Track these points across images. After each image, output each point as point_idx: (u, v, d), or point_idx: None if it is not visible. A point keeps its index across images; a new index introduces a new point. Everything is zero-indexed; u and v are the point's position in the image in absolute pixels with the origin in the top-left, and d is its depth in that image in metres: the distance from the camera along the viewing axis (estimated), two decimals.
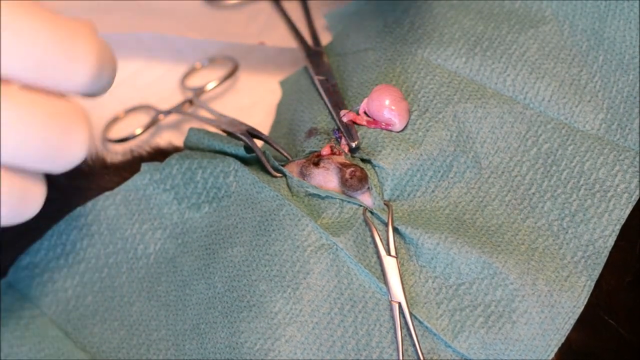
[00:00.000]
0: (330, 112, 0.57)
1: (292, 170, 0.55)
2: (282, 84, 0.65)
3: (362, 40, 0.62)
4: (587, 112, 0.56)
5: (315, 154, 0.55)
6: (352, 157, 0.54)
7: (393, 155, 0.53)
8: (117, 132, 0.69)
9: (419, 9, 0.61)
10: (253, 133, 0.57)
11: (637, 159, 0.54)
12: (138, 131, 0.67)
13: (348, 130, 0.55)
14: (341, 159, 0.54)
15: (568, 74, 0.57)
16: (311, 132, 0.57)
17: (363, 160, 0.54)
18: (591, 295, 0.50)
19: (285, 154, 0.56)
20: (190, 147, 0.59)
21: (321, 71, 0.61)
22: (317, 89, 0.59)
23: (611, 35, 0.58)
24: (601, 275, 0.51)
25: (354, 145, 0.54)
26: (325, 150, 0.55)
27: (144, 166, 0.57)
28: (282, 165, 0.55)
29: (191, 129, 0.58)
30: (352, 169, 0.53)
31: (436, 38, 0.58)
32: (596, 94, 0.56)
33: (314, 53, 0.63)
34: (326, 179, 0.54)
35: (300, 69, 0.64)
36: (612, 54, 0.57)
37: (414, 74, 0.57)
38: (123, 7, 0.71)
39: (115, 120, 0.69)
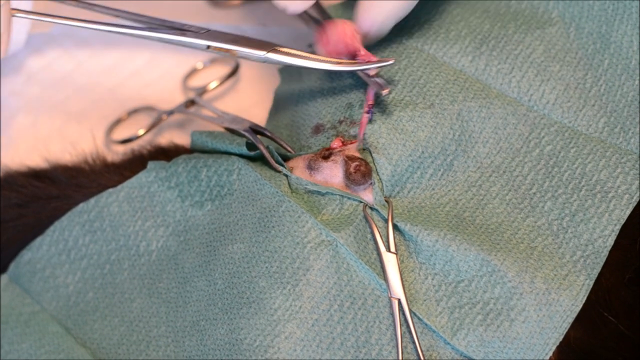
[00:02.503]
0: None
1: (298, 164, 0.56)
2: (281, 71, 0.66)
3: None
4: (590, 116, 0.57)
5: (326, 148, 0.56)
6: (362, 150, 0.56)
7: (396, 151, 0.55)
8: (120, 133, 0.71)
9: (425, 4, 0.62)
10: (256, 129, 0.59)
11: (639, 161, 0.56)
12: (141, 132, 0.69)
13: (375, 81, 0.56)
14: (351, 150, 0.56)
15: (573, 77, 0.58)
16: (318, 129, 0.58)
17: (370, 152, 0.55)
18: (591, 292, 0.52)
19: (289, 148, 0.58)
20: (197, 150, 0.60)
21: None
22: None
23: (618, 40, 0.59)
24: (601, 272, 0.53)
25: (384, 93, 0.55)
26: (336, 143, 0.56)
27: (151, 164, 0.58)
28: (287, 160, 0.57)
29: (193, 133, 0.60)
30: (356, 163, 0.54)
31: (442, 35, 0.60)
32: (600, 97, 0.58)
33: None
34: (333, 172, 0.55)
35: None
36: (617, 58, 0.59)
37: (419, 69, 0.58)
38: (123, 5, 0.73)
39: (118, 121, 0.71)
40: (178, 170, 0.58)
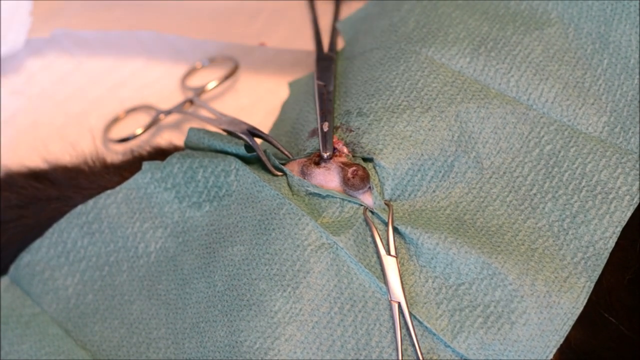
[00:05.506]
0: (316, 117, 0.59)
1: (292, 169, 0.56)
2: (291, 85, 0.67)
3: (369, 41, 0.63)
4: (590, 115, 0.57)
5: (317, 153, 0.56)
6: (354, 156, 0.56)
7: (394, 154, 0.55)
8: (118, 132, 0.71)
9: (424, 7, 0.62)
10: (254, 132, 0.59)
11: (639, 162, 0.55)
12: (139, 131, 0.69)
13: (325, 138, 0.56)
14: (343, 159, 0.56)
15: (572, 77, 0.58)
16: (314, 133, 0.58)
17: (365, 159, 0.56)
18: (591, 292, 0.52)
19: (286, 152, 0.58)
20: (191, 147, 0.60)
21: (324, 76, 0.62)
22: (314, 92, 0.61)
23: (617, 39, 0.59)
24: (601, 273, 0.52)
25: (325, 155, 0.56)
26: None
27: (145, 165, 0.58)
28: (283, 164, 0.57)
29: (191, 129, 0.60)
30: (354, 168, 0.54)
31: (441, 37, 0.60)
32: (600, 97, 0.58)
33: (325, 58, 0.65)
34: (327, 178, 0.55)
35: (311, 73, 0.65)
36: (617, 58, 0.59)
37: (417, 72, 0.58)
38: (124, 5, 0.72)
39: (116, 120, 0.71)
40: (174, 171, 0.58)
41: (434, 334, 0.52)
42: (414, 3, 0.63)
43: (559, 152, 0.56)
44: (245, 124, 0.60)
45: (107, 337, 0.57)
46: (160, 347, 0.56)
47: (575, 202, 0.54)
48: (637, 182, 0.55)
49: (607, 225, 0.54)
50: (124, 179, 0.60)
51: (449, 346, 0.52)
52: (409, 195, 0.55)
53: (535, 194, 0.55)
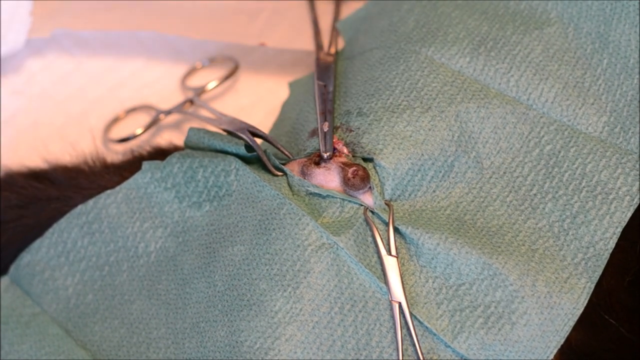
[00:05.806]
0: (316, 117, 0.59)
1: (293, 169, 0.56)
2: (291, 85, 0.67)
3: (369, 41, 0.63)
4: (590, 115, 0.57)
5: (317, 153, 0.56)
6: (354, 156, 0.56)
7: (394, 154, 0.55)
8: (118, 132, 0.70)
9: (424, 7, 0.62)
10: (254, 132, 0.59)
11: (639, 162, 0.55)
12: (139, 131, 0.69)
13: (325, 138, 0.56)
14: (343, 159, 0.56)
15: (572, 76, 0.58)
16: (314, 132, 0.58)
17: (365, 159, 0.55)
18: (592, 294, 0.51)
19: (287, 152, 0.58)
20: (191, 147, 0.60)
21: (324, 76, 0.62)
22: (314, 92, 0.61)
23: (616, 39, 0.59)
24: (602, 274, 0.52)
25: (325, 155, 0.56)
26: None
27: (145, 164, 0.58)
28: (283, 164, 0.57)
29: (191, 129, 0.59)
30: (354, 168, 0.54)
31: (440, 37, 0.59)
32: (600, 97, 0.58)
33: (325, 58, 0.65)
34: (327, 178, 0.55)
35: (311, 73, 0.65)
36: (616, 57, 0.59)
37: (417, 72, 0.58)
38: (124, 5, 0.72)
39: (116, 120, 0.71)
40: (174, 171, 0.58)
41: (435, 334, 0.52)
42: (413, 3, 0.63)
43: (559, 152, 0.56)
44: (245, 123, 0.60)
45: (107, 337, 0.57)
46: (160, 347, 0.56)
47: (576, 202, 0.54)
48: (637, 183, 0.54)
49: (607, 226, 0.53)
50: (124, 179, 0.59)
51: (449, 346, 0.52)
52: (409, 195, 0.55)
53: (535, 194, 0.55)
